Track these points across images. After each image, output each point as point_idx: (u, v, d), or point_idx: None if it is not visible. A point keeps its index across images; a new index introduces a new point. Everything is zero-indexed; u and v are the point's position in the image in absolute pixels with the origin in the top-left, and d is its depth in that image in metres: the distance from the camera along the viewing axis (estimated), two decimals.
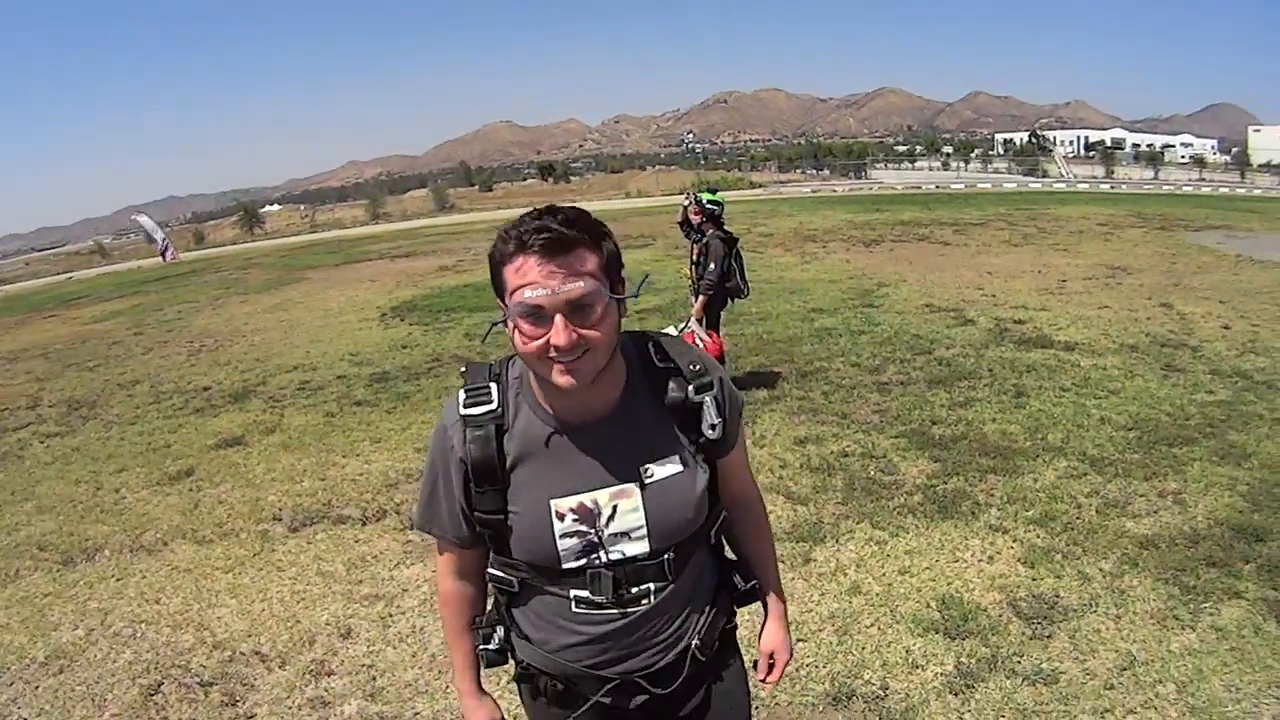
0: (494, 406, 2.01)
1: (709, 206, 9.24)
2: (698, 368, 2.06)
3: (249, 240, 64.81)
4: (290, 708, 4.47)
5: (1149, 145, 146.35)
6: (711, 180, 65.26)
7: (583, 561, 2.02)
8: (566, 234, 1.78)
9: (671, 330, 8.95)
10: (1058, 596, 5.01)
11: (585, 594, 2.04)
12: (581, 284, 1.78)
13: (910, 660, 4.50)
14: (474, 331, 14.09)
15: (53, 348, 18.31)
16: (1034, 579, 5.26)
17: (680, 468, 2.03)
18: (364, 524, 6.71)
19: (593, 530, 2.00)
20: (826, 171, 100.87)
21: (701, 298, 8.94)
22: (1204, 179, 77.97)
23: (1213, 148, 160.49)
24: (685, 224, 9.48)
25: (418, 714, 4.34)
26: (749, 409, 8.69)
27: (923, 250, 21.96)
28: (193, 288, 28.25)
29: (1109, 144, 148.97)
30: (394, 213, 76.90)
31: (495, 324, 1.96)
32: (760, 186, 72.93)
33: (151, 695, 4.72)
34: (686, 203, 9.55)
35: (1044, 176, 78.30)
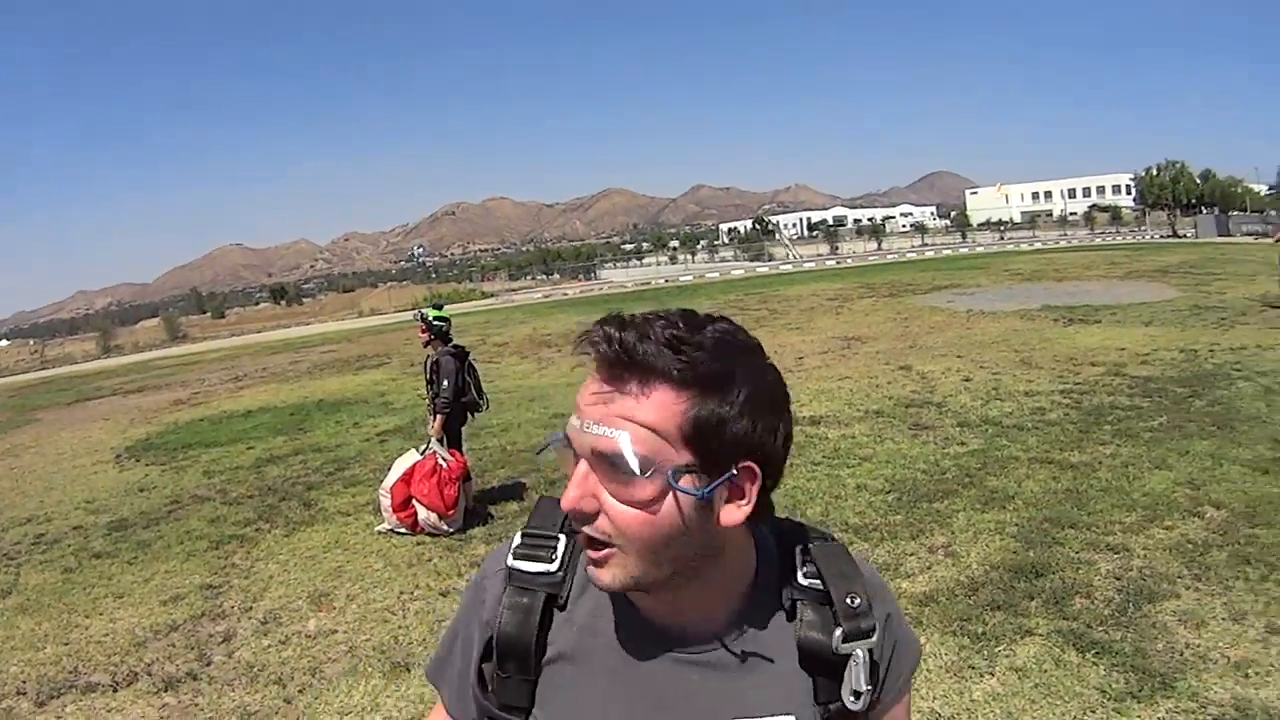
0: (554, 569, 1.35)
1: (435, 323, 9.22)
2: (856, 604, 1.28)
3: None
4: None
5: (870, 219, 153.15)
6: (443, 294, 65.19)
7: None
8: (637, 349, 1.13)
9: (414, 454, 8.83)
10: None
11: None
12: (615, 434, 1.13)
13: None
14: (212, 468, 13.45)
15: None
16: None
17: None
18: (115, 689, 6.22)
19: None
20: (557, 275, 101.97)
21: (439, 416, 8.87)
22: (927, 244, 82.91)
23: (932, 214, 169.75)
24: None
25: None
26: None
27: None
28: None
29: (831, 222, 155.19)
30: (126, 344, 73.72)
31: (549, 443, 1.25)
32: (492, 296, 73.15)
33: None
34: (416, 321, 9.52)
35: (770, 260, 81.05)
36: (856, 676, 1.25)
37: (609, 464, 1.14)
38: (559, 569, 1.35)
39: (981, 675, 4.87)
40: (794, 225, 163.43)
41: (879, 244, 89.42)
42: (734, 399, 1.15)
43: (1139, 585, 5.85)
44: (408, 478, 8.63)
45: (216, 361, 37.47)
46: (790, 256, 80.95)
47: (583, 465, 1.17)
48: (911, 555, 6.68)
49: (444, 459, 8.71)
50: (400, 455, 9.27)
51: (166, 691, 6.08)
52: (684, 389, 1.13)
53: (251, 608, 7.40)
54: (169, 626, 7.23)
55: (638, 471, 1.12)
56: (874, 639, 1.28)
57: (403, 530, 8.73)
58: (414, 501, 8.54)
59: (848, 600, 1.28)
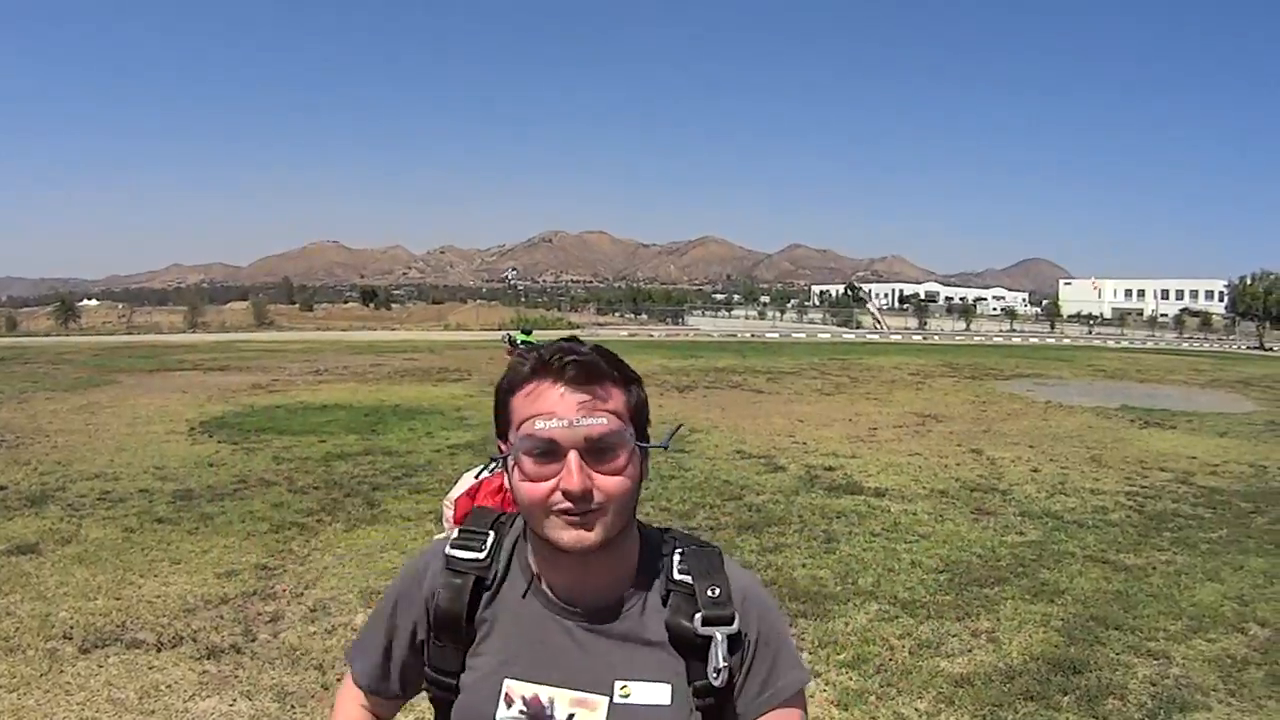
0: (482, 557, 1.68)
1: (521, 347, 9.29)
2: (715, 594, 1.60)
3: (63, 334, 62.33)
4: None
5: (962, 298, 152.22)
6: (530, 319, 65.59)
7: None
8: (595, 360, 1.54)
9: (477, 471, 8.94)
10: None
11: None
12: (605, 420, 1.50)
13: None
14: (282, 455, 13.73)
15: None
16: None
17: (667, 701, 1.58)
18: (159, 650, 6.41)
19: None
20: (644, 316, 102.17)
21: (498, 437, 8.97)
22: (1015, 330, 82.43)
23: (1024, 300, 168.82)
24: None
25: None
26: None
27: (736, 397, 22.47)
28: None
29: (923, 297, 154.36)
30: (212, 323, 75.02)
31: (494, 461, 1.65)
32: (579, 328, 73.38)
33: None
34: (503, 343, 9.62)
35: (858, 328, 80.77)
36: (715, 654, 1.54)
37: (600, 444, 1.49)
38: (486, 556, 1.69)
39: None
40: (886, 295, 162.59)
41: (968, 324, 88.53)
42: (640, 387, 1.64)
43: (1173, 694, 5.80)
44: (473, 492, 8.67)
45: (299, 352, 38.24)
46: (877, 326, 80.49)
47: (573, 455, 1.48)
48: (954, 636, 6.67)
49: (486, 470, 8.79)
50: (469, 469, 9.37)
51: (208, 659, 6.24)
52: (622, 385, 1.58)
53: (302, 594, 7.56)
54: (219, 599, 7.41)
55: (627, 441, 1.53)
56: (733, 627, 1.58)
57: None
58: None
59: (708, 592, 1.60)
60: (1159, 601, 7.58)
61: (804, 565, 8.34)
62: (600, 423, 1.49)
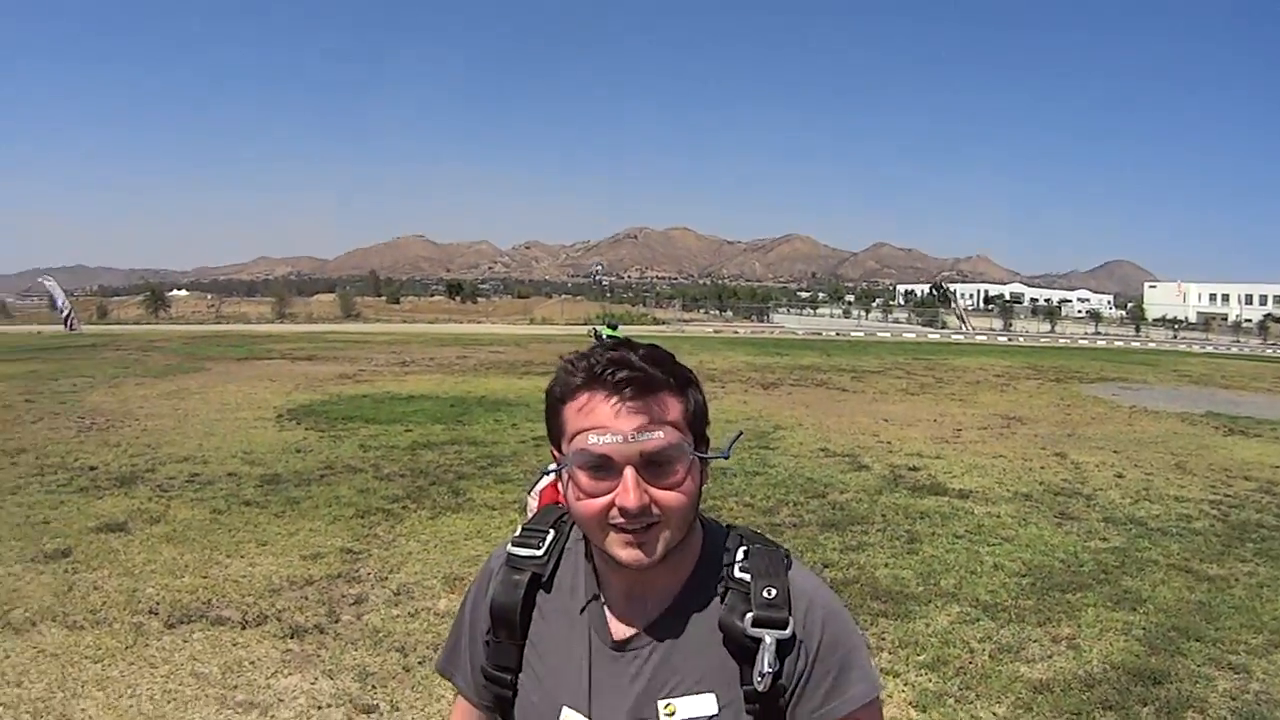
0: (540, 554, 1.70)
1: (607, 341, 9.32)
2: (771, 596, 1.53)
3: (153, 322, 63.81)
4: None
5: (1047, 300, 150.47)
6: (615, 314, 65.74)
7: None
8: (649, 372, 1.47)
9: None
10: None
11: None
12: (662, 434, 1.44)
13: None
14: (369, 443, 13.89)
15: None
16: None
17: (713, 711, 1.53)
18: (243, 627, 6.51)
19: None
20: (730, 313, 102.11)
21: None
22: (1100, 333, 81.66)
23: (1108, 303, 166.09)
24: None
25: None
26: None
27: (820, 395, 22.33)
28: (91, 362, 27.57)
29: (1008, 298, 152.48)
30: (299, 314, 76.29)
31: (546, 473, 1.63)
32: (663, 323, 73.56)
33: None
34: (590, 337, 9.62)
35: (943, 328, 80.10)
36: (763, 660, 1.47)
37: (657, 459, 1.45)
38: (544, 554, 1.70)
39: None
40: (971, 296, 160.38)
41: (1052, 326, 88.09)
42: (698, 390, 1.57)
43: (1253, 709, 5.62)
44: (557, 484, 8.76)
45: (385, 344, 38.73)
46: (963, 327, 79.52)
47: (629, 471, 1.43)
48: (1035, 642, 6.55)
49: (549, 474, 8.80)
50: (553, 462, 9.41)
51: (292, 638, 6.32)
52: (679, 393, 1.51)
53: (387, 578, 7.63)
54: (305, 580, 7.51)
55: (686, 453, 1.47)
56: (786, 631, 1.50)
57: None
58: None
59: (764, 592, 1.53)
60: (1241, 614, 7.36)
61: (886, 565, 8.24)
62: (657, 437, 1.45)
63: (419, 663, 5.95)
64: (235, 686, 5.58)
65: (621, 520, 1.44)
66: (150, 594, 7.13)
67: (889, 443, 14.94)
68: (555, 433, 1.57)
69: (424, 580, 7.58)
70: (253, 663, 5.96)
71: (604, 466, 1.44)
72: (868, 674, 1.60)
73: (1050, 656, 6.30)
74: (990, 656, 6.24)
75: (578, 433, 1.47)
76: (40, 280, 55.17)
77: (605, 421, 1.44)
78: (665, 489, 1.45)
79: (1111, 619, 6.99)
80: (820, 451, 13.94)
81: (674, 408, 1.49)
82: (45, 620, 6.59)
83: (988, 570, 8.17)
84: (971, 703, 5.53)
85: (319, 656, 6.06)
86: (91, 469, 11.63)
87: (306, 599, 7.08)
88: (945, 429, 16.72)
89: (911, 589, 7.57)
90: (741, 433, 2.13)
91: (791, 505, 10.40)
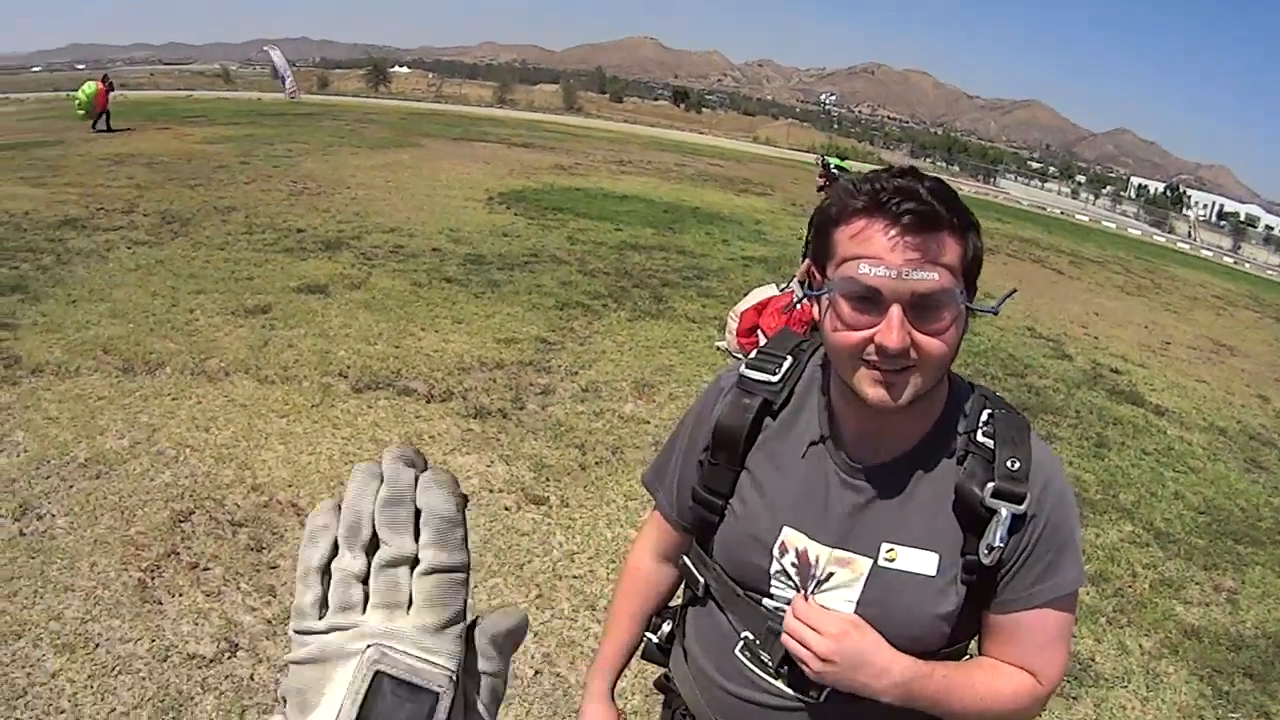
0: (775, 380, 1.66)
1: (835, 172, 9.03)
2: (1015, 468, 1.47)
3: (372, 96, 64.96)
4: None
5: None
6: (842, 148, 64.57)
7: (773, 607, 1.61)
8: (935, 208, 1.36)
9: (772, 289, 8.73)
10: (1093, 660, 4.78)
11: (756, 642, 1.63)
12: (936, 275, 1.36)
13: None
14: (577, 236, 13.84)
15: (158, 159, 18.25)
16: (1075, 636, 5.03)
17: (932, 572, 1.50)
18: (428, 401, 6.58)
19: (800, 586, 1.57)
20: (956, 168, 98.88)
21: (809, 261, 8.74)
22: None
23: None
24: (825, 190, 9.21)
25: None
26: None
27: (1035, 272, 21.42)
28: (307, 129, 28.00)
29: (1243, 218, 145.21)
30: (520, 100, 76.82)
31: (806, 295, 1.53)
32: (888, 166, 72.14)
33: (180, 522, 4.64)
34: (816, 166, 9.31)
35: (1170, 232, 76.68)
36: (995, 533, 1.43)
37: (926, 302, 1.37)
38: (779, 381, 1.66)
39: None
40: (1205, 207, 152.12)
41: None
42: (978, 235, 1.47)
43: None
44: (760, 307, 8.53)
45: (604, 140, 38.60)
46: (1191, 236, 75.63)
47: (896, 309, 1.35)
48: (1197, 584, 6.10)
49: (799, 301, 8.58)
50: (759, 284, 9.19)
51: (475, 419, 6.34)
52: (959, 235, 1.41)
53: (577, 373, 7.59)
54: (495, 363, 7.52)
55: (956, 300, 1.39)
56: (1022, 506, 1.44)
57: (739, 355, 8.69)
58: (758, 332, 8.47)
59: (1008, 463, 1.47)
60: None
61: (1071, 464, 7.81)
62: (931, 278, 1.36)
63: (596, 462, 5.90)
64: None
65: (876, 358, 1.39)
66: (342, 357, 7.26)
67: (1096, 338, 14.21)
68: (821, 254, 1.49)
69: (614, 381, 7.52)
70: (433, 436, 6.00)
71: (870, 299, 1.38)
72: (1078, 562, 1.56)
73: (1208, 604, 5.86)
74: (1150, 586, 5.85)
75: (848, 259, 1.40)
76: (264, 49, 56.55)
77: (880, 252, 1.36)
78: (929, 334, 1.38)
79: (1276, 584, 6.50)
80: (1026, 330, 13.36)
81: (952, 249, 1.40)
82: (238, 372, 6.77)
83: (1168, 497, 7.67)
84: (1123, 627, 5.20)
85: (498, 440, 6.06)
86: (299, 231, 11.88)
87: (494, 382, 7.10)
88: (1154, 339, 15.81)
89: (1090, 495, 7.19)
90: (1015, 289, 1.89)
91: (989, 379, 9.96)
